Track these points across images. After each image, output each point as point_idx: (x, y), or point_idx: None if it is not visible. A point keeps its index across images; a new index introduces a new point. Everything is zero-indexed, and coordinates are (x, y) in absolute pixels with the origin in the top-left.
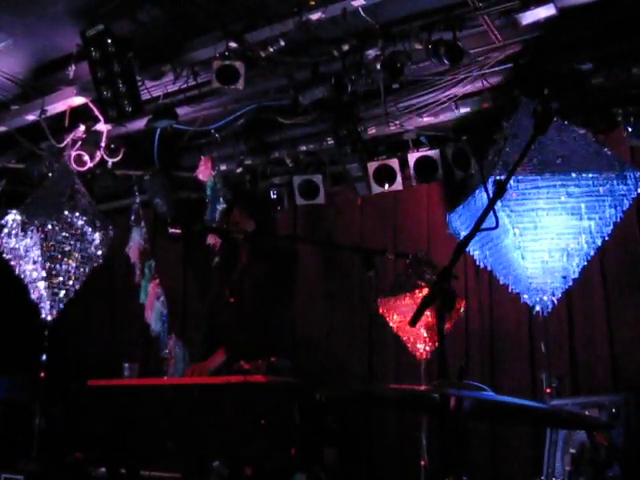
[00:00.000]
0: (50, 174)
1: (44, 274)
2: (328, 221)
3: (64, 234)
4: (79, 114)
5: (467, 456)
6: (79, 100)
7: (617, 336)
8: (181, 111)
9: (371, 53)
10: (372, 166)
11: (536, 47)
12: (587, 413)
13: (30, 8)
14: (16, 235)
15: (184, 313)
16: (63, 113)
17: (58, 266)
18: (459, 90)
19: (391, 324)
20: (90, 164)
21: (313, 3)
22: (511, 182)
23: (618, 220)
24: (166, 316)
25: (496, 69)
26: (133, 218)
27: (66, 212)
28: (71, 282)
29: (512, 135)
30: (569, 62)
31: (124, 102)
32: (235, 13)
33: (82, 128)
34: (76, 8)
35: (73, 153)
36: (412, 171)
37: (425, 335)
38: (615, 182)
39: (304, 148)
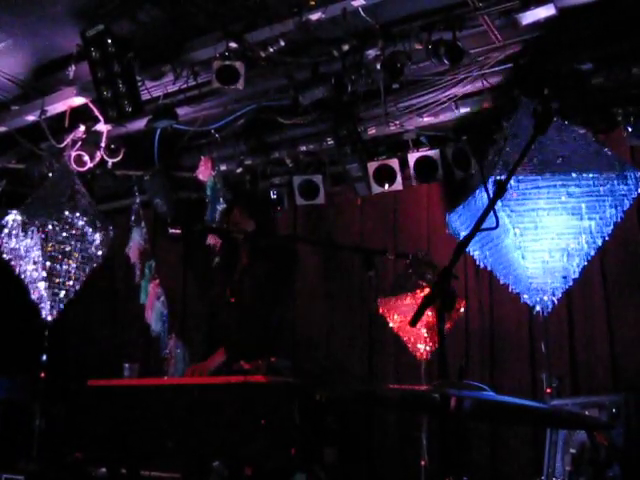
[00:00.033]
0: (50, 174)
1: (44, 274)
2: (328, 221)
3: (64, 234)
4: (79, 114)
5: (467, 456)
6: (79, 100)
7: (617, 336)
8: (181, 111)
9: (371, 53)
10: (372, 166)
11: (536, 47)
12: (587, 413)
13: (30, 8)
14: (16, 235)
15: (184, 313)
16: (63, 113)
17: (58, 266)
18: (459, 90)
19: (392, 324)
20: (90, 164)
21: (313, 3)
22: (511, 182)
23: (618, 220)
24: (166, 316)
25: (496, 69)
26: (133, 218)
27: (66, 212)
28: (71, 282)
29: (512, 135)
30: (569, 62)
31: (124, 102)
32: (235, 13)
33: (82, 128)
34: (76, 8)
35: (73, 153)
36: (412, 171)
37: (426, 335)
38: (615, 182)
39: (304, 148)
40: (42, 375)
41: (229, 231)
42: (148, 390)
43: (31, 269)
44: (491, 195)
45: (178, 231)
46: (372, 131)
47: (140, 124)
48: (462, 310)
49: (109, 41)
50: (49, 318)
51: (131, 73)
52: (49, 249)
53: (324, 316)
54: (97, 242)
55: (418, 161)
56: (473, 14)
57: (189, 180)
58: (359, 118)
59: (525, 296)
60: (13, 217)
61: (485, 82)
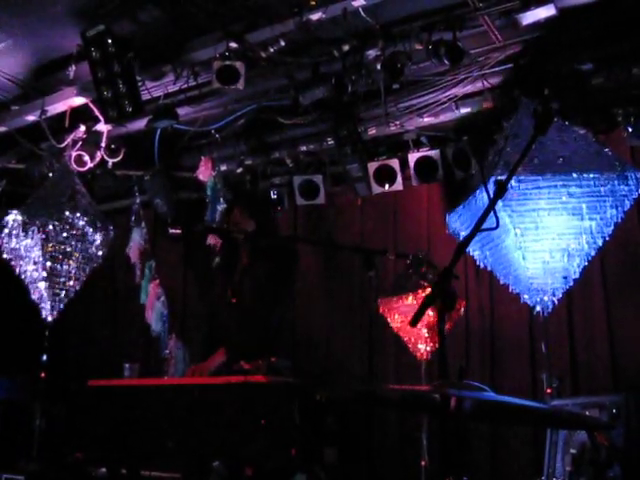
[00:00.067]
0: (50, 174)
1: (45, 274)
2: (328, 221)
3: (65, 234)
4: (79, 114)
5: (467, 456)
6: (79, 100)
7: (617, 336)
8: (181, 111)
9: (371, 53)
10: (372, 166)
11: (536, 47)
12: (587, 413)
13: (30, 8)
14: (17, 235)
15: (184, 313)
16: (63, 113)
17: (59, 266)
18: (459, 90)
19: (392, 324)
20: (90, 164)
21: (313, 3)
22: (512, 182)
23: (619, 220)
24: (166, 316)
25: (496, 69)
26: (133, 218)
27: (67, 212)
28: (72, 282)
29: (512, 135)
30: (569, 62)
31: (124, 102)
32: (235, 13)
33: (82, 128)
34: (76, 8)
35: (73, 153)
36: (412, 171)
37: (426, 335)
38: (616, 182)
39: (304, 148)
40: (42, 375)
41: (229, 231)
42: (148, 390)
43: (31, 269)
44: (491, 195)
45: (178, 231)
46: (372, 131)
47: (140, 124)
48: (462, 310)
49: (109, 41)
50: (49, 318)
51: (131, 73)
52: (49, 249)
53: (324, 316)
54: (97, 242)
55: (418, 161)
56: (473, 14)
57: (189, 180)
58: (359, 118)
59: (525, 296)
60: (13, 217)
61: (485, 82)
